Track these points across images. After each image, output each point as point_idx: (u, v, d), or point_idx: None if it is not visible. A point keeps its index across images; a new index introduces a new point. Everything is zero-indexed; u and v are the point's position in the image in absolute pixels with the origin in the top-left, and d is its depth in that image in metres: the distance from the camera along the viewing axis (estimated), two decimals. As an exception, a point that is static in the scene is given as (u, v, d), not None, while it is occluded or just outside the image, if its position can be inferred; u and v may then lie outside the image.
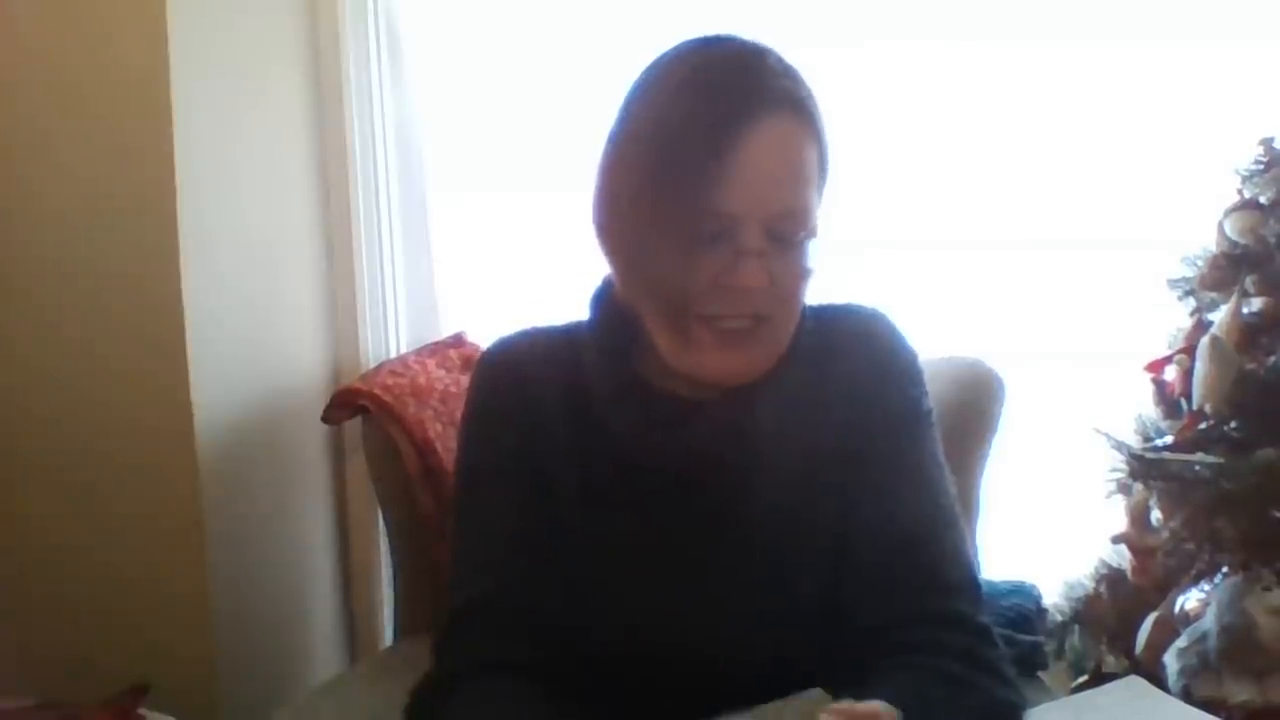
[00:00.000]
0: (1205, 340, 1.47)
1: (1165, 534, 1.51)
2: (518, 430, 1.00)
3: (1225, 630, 1.38)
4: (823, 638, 0.94)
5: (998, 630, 0.96)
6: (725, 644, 0.94)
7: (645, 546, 0.97)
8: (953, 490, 0.99)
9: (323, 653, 1.81)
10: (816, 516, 0.97)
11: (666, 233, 0.88)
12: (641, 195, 0.90)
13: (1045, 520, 1.74)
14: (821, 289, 1.03)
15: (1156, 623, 1.50)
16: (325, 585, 1.81)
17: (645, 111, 0.93)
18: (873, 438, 0.98)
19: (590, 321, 1.02)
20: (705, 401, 0.97)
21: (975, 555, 1.26)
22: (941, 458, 1.01)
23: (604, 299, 1.02)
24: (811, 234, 0.92)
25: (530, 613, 0.95)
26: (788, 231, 0.90)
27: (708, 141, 0.87)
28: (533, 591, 0.95)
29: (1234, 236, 1.52)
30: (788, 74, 0.92)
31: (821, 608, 0.95)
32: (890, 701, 0.84)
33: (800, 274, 0.93)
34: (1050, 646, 1.56)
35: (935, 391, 1.07)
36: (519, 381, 1.01)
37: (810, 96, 0.93)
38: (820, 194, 0.94)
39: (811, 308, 1.01)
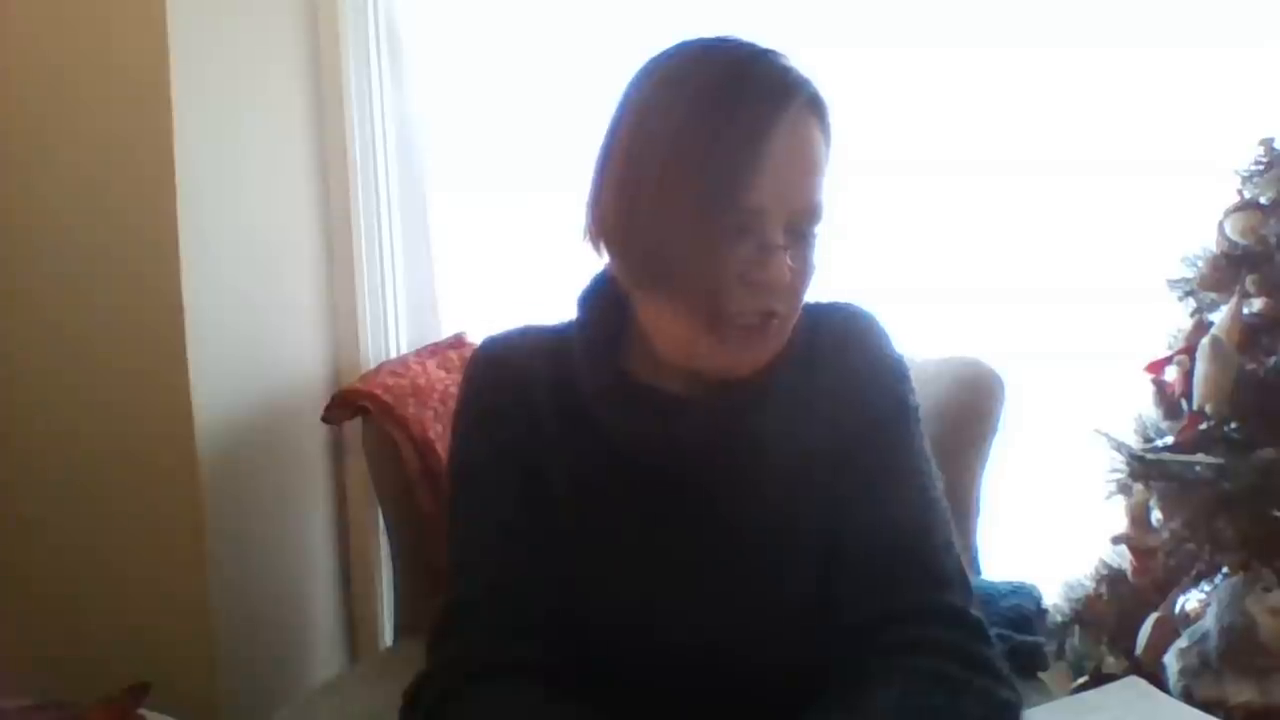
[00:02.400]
0: (1206, 341, 1.47)
1: (1165, 534, 1.51)
2: (511, 426, 1.00)
3: (1226, 630, 1.38)
4: (815, 635, 0.94)
5: (997, 630, 0.95)
6: (716, 641, 0.94)
7: (635, 543, 0.97)
8: (940, 483, 1.00)
9: (323, 653, 1.81)
10: (807, 513, 0.97)
11: (696, 229, 0.88)
12: (670, 192, 0.90)
13: (1045, 520, 1.74)
14: (819, 288, 1.03)
15: (1157, 623, 1.49)
16: (325, 585, 1.81)
17: (665, 108, 0.92)
18: (861, 434, 0.98)
19: (579, 320, 1.03)
20: (693, 399, 0.97)
21: (966, 551, 1.26)
22: (929, 453, 1.01)
23: (592, 297, 1.02)
24: (819, 231, 0.94)
25: (523, 609, 0.95)
26: (805, 226, 0.92)
27: (739, 137, 0.88)
28: (526, 587, 0.95)
29: (1234, 237, 1.52)
30: (796, 70, 0.94)
31: (813, 604, 0.95)
32: (892, 709, 0.84)
33: (811, 272, 0.94)
34: (1050, 647, 1.56)
35: (935, 392, 1.07)
36: (512, 378, 1.02)
37: (820, 92, 0.94)
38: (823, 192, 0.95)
39: None
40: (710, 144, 0.88)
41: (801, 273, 0.92)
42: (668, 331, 0.94)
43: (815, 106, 0.92)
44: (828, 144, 0.94)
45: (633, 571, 0.97)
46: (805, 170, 0.91)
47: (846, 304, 1.05)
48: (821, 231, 0.93)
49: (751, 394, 0.96)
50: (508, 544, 0.97)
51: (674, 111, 0.91)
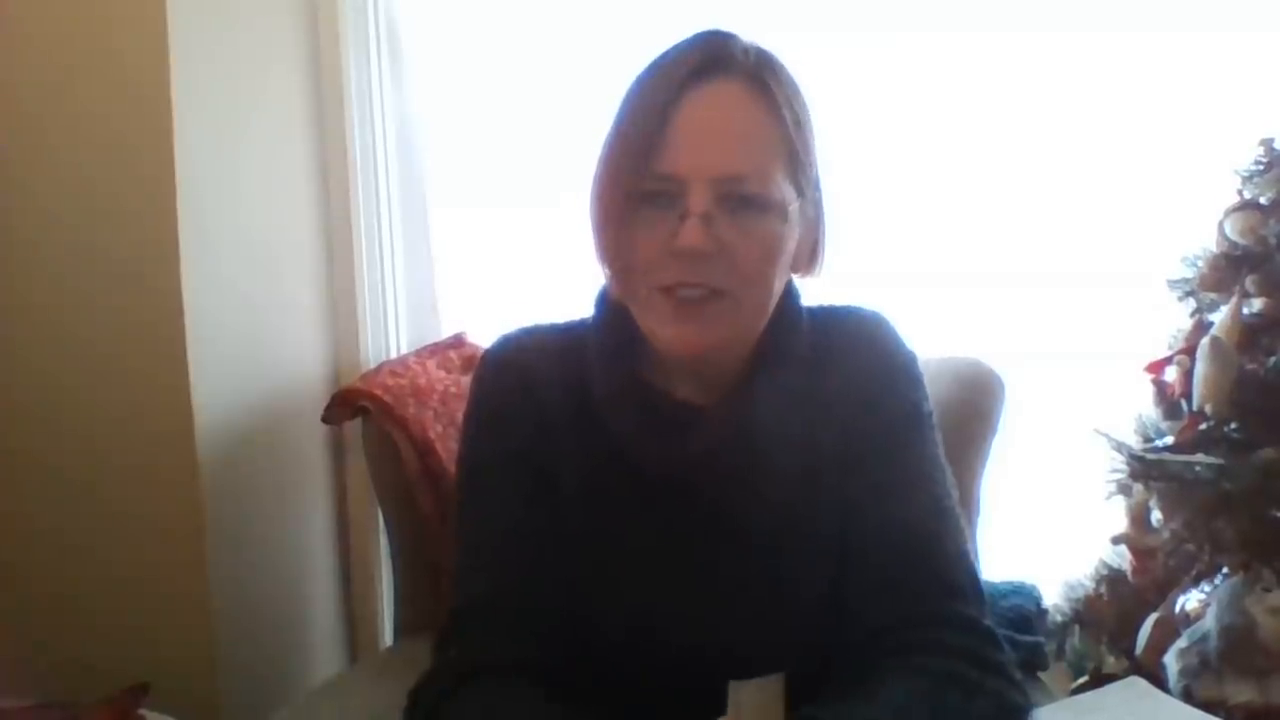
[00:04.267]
0: (1206, 341, 1.47)
1: (1166, 534, 1.51)
2: (522, 430, 1.00)
3: (1226, 631, 1.38)
4: (825, 639, 0.94)
5: (1000, 632, 0.95)
6: (726, 645, 0.94)
7: (646, 548, 0.97)
8: (954, 492, 0.99)
9: (323, 653, 1.81)
10: (818, 518, 0.97)
11: (617, 199, 0.91)
12: (600, 167, 0.94)
13: (1045, 520, 1.74)
14: (822, 290, 1.03)
15: (1157, 623, 1.50)
16: (325, 585, 1.81)
17: (620, 107, 0.96)
18: (873, 440, 0.98)
19: (595, 319, 1.03)
20: (706, 404, 0.97)
21: (976, 557, 1.26)
22: (943, 460, 1.01)
23: (607, 298, 1.02)
24: (776, 210, 0.92)
25: (531, 612, 0.95)
26: (738, 196, 0.91)
27: (654, 105, 0.90)
28: (534, 591, 0.95)
29: (1234, 237, 1.52)
30: (750, 51, 0.94)
31: (823, 609, 0.95)
32: (905, 703, 0.84)
33: (761, 249, 0.92)
34: (1050, 647, 1.56)
35: (935, 391, 1.07)
36: (523, 381, 1.02)
37: (775, 74, 0.94)
38: (791, 174, 0.94)
39: (810, 309, 1.02)
40: (632, 115, 0.92)
41: (742, 248, 0.91)
42: (639, 319, 0.95)
43: (753, 78, 0.92)
44: (783, 123, 0.93)
45: (639, 575, 0.97)
46: (725, 134, 0.91)
47: (859, 308, 1.05)
48: (783, 213, 0.92)
49: (762, 399, 0.96)
50: (515, 547, 0.97)
51: (620, 107, 0.95)
